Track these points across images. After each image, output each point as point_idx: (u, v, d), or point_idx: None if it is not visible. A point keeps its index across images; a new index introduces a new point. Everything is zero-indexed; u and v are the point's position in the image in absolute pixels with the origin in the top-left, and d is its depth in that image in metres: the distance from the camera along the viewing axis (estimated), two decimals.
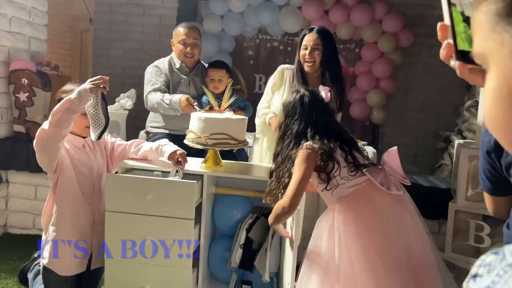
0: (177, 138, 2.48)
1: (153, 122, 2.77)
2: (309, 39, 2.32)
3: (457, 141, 2.62)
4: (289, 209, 1.63)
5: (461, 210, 2.41)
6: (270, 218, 1.72)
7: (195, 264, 2.02)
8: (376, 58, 4.48)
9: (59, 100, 1.86)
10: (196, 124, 2.02)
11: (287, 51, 4.72)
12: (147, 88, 2.68)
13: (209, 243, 2.21)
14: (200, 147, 2.00)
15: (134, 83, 4.27)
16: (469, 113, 3.90)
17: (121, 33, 4.74)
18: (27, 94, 3.10)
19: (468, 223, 2.40)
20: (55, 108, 1.72)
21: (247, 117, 2.19)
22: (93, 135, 1.82)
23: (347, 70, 4.64)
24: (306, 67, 2.34)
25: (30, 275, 2.29)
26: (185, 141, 2.07)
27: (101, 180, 2.04)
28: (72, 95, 1.73)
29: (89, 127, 1.87)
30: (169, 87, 2.71)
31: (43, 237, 2.00)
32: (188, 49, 2.68)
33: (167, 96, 2.56)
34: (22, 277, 2.45)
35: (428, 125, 4.66)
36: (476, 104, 3.76)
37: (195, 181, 1.88)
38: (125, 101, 3.25)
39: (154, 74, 2.69)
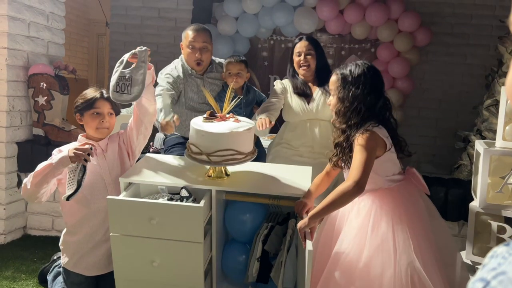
0: None
1: None
2: (301, 46, 2.47)
3: (477, 141, 2.56)
4: (360, 188, 1.64)
5: (481, 212, 2.36)
6: (329, 203, 1.67)
7: (208, 272, 1.97)
8: (393, 57, 4.42)
9: (77, 105, 2.06)
10: (196, 138, 1.84)
11: None
12: (156, 89, 2.61)
13: (222, 247, 2.14)
14: (203, 163, 1.84)
15: None
16: (489, 112, 3.81)
17: (136, 36, 4.78)
18: (45, 97, 3.15)
19: (490, 225, 2.34)
20: (36, 170, 1.89)
21: (253, 124, 1.97)
22: (65, 195, 1.90)
23: None
24: (302, 71, 2.48)
25: (49, 277, 2.33)
26: (185, 155, 1.92)
27: (117, 180, 2.05)
28: (54, 161, 1.87)
29: (101, 128, 2.05)
30: (182, 92, 2.62)
31: (62, 239, 2.07)
32: (197, 54, 2.55)
33: (161, 114, 2.33)
34: (41, 278, 2.49)
35: (446, 124, 4.58)
36: (496, 103, 3.68)
37: (201, 205, 1.77)
38: None
39: (164, 80, 2.58)
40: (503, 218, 2.32)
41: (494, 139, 2.47)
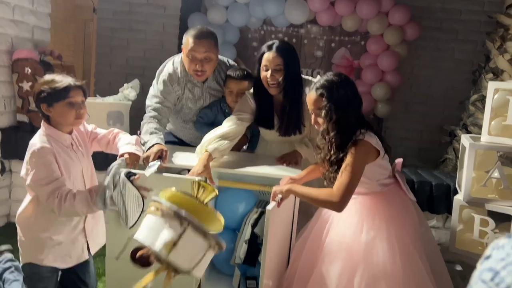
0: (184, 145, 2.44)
1: None
2: (269, 59, 2.11)
3: (463, 136, 2.60)
4: (340, 207, 1.67)
5: (465, 205, 2.39)
6: (311, 194, 1.73)
7: None
8: (382, 51, 4.43)
9: (39, 92, 1.85)
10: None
11: (291, 42, 4.68)
12: (150, 99, 2.35)
13: None
14: None
15: (138, 74, 4.25)
16: (475, 107, 3.86)
17: (124, 23, 4.70)
18: (30, 83, 3.08)
19: (473, 218, 2.38)
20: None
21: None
22: (129, 224, 1.78)
23: (352, 63, 4.60)
24: (271, 91, 2.17)
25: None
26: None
27: (93, 178, 2.04)
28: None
29: (79, 119, 1.89)
30: (178, 100, 2.39)
31: (21, 236, 1.98)
32: (197, 65, 2.23)
33: (146, 137, 2.15)
34: None
35: (433, 119, 4.62)
36: (482, 99, 3.73)
37: (198, 178, 1.85)
38: (128, 91, 3.24)
39: (163, 89, 2.32)
40: (486, 211, 2.37)
41: (480, 134, 2.50)
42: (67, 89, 1.85)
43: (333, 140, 1.75)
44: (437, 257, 1.91)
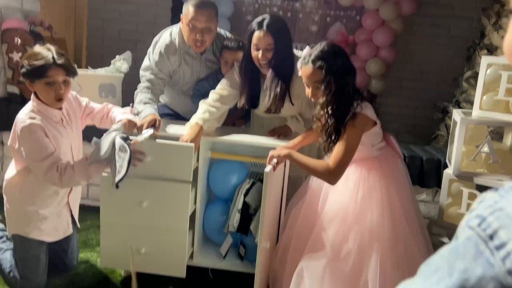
0: (180, 119, 2.43)
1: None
2: (259, 39, 2.05)
3: (455, 110, 2.61)
4: (334, 179, 1.71)
5: (455, 179, 2.42)
6: (307, 164, 1.77)
7: (191, 227, 2.05)
8: (377, 26, 4.39)
9: (21, 67, 1.81)
10: None
11: (286, 16, 4.62)
12: (145, 70, 2.33)
13: (205, 207, 2.23)
14: None
15: (130, 47, 4.18)
16: (468, 84, 3.87)
17: None
18: (20, 54, 3.04)
19: (462, 191, 2.42)
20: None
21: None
22: (114, 180, 1.78)
23: (347, 38, 4.56)
24: (263, 70, 2.14)
25: None
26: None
27: (80, 152, 2.05)
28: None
29: (59, 100, 1.85)
30: (174, 72, 2.37)
31: (7, 207, 1.99)
32: (198, 35, 2.20)
33: (140, 107, 2.15)
34: None
35: (427, 96, 4.63)
36: (475, 75, 3.73)
37: (193, 144, 1.89)
38: (120, 63, 3.19)
39: (158, 60, 2.29)
40: (474, 185, 2.40)
41: (472, 110, 2.51)
42: (44, 68, 1.76)
43: (332, 111, 1.74)
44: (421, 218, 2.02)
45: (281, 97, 2.12)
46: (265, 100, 2.18)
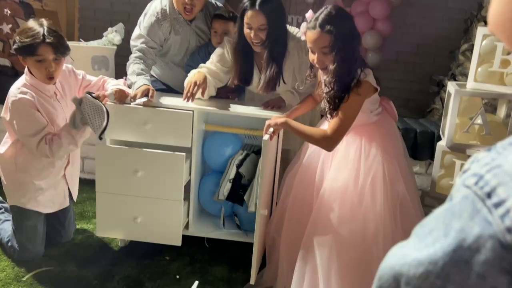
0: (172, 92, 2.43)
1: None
2: (252, 18, 1.98)
3: (449, 83, 2.61)
4: (331, 146, 1.71)
5: (448, 151, 2.44)
6: (305, 131, 1.77)
7: (186, 197, 2.07)
8: None
9: (13, 42, 1.83)
10: None
11: None
12: (135, 40, 2.30)
13: (200, 179, 2.24)
14: None
15: (122, 19, 4.10)
16: (464, 57, 3.84)
17: None
18: (10, 25, 2.98)
19: (454, 163, 2.44)
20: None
21: None
22: (98, 132, 1.85)
23: None
24: (256, 49, 2.08)
25: None
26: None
27: None
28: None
29: (50, 78, 1.86)
30: (167, 39, 2.34)
31: (3, 179, 2.02)
32: (187, 0, 2.19)
33: (133, 78, 2.11)
34: None
35: (423, 69, 4.60)
36: (472, 48, 3.69)
37: (192, 111, 1.88)
38: (113, 35, 3.15)
39: (149, 29, 2.27)
40: (467, 157, 2.42)
41: (467, 82, 2.51)
42: (33, 46, 1.77)
43: (339, 78, 1.69)
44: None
45: (275, 78, 2.10)
46: (260, 81, 2.15)
